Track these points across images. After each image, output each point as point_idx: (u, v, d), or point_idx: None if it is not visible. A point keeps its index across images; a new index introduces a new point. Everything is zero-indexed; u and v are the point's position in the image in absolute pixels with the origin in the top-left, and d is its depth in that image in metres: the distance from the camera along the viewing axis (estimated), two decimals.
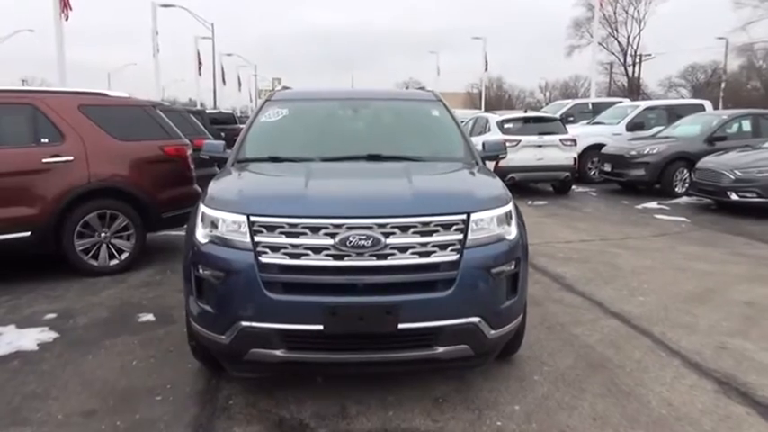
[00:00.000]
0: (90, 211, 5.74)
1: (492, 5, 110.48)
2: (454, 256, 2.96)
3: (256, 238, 2.94)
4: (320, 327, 2.85)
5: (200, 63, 36.80)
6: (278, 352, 2.93)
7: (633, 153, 11.36)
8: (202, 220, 3.16)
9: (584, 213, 9.75)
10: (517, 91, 75.17)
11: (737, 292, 5.27)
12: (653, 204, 10.48)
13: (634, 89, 50.13)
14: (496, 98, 67.02)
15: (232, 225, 3.01)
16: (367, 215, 2.95)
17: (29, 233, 5.46)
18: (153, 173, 6.13)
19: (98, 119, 5.88)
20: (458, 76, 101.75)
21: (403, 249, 2.92)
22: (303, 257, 2.90)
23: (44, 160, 5.51)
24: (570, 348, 4.01)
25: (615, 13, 50.87)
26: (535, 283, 5.54)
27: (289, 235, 2.92)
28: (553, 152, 11.22)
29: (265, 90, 76.73)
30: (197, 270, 3.09)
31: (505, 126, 11.57)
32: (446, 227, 3.00)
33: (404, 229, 2.95)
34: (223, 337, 2.99)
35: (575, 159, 11.47)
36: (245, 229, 2.97)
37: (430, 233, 2.97)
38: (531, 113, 12.49)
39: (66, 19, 16.79)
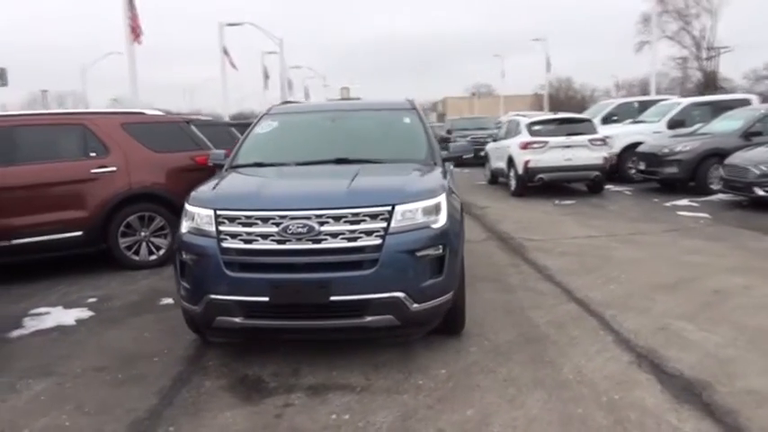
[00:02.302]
0: (131, 214, 6.70)
1: (564, 4, 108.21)
2: (378, 241, 3.56)
3: (220, 228, 3.66)
4: (266, 298, 3.53)
5: (266, 77, 38.63)
6: (237, 319, 3.63)
7: (666, 150, 11.37)
8: (185, 215, 3.92)
9: (606, 211, 9.94)
10: (590, 90, 73.43)
11: (713, 282, 5.50)
12: (683, 202, 10.48)
13: (710, 83, 47.93)
14: (566, 99, 65.75)
15: (205, 218, 3.75)
16: (306, 207, 3.61)
17: (81, 232, 6.46)
18: (186, 180, 6.98)
19: (137, 134, 6.85)
20: (528, 78, 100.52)
21: (334, 235, 3.55)
22: (254, 242, 3.59)
23: (92, 171, 6.51)
24: (517, 327, 4.47)
25: (687, 5, 48.83)
26: (518, 274, 6.00)
27: (245, 225, 3.63)
28: (582, 152, 11.42)
29: (333, 99, 79.10)
30: (180, 255, 3.85)
31: (534, 128, 11.88)
32: (373, 216, 3.61)
33: (337, 218, 3.58)
34: (196, 307, 3.73)
35: (605, 159, 11.60)
36: (212, 220, 3.69)
37: (358, 222, 3.59)
38: (560, 115, 12.70)
39: (139, 43, 18.42)
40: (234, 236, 3.63)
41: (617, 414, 3.14)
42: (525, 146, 11.61)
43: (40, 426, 3.21)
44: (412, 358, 3.93)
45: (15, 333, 4.75)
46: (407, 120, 5.19)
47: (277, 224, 3.57)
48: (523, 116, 13.18)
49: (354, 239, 3.56)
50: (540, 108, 44.35)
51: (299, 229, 3.53)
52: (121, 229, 6.66)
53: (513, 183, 12.24)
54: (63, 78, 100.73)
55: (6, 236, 6.18)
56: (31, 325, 4.92)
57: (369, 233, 3.58)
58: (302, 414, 3.26)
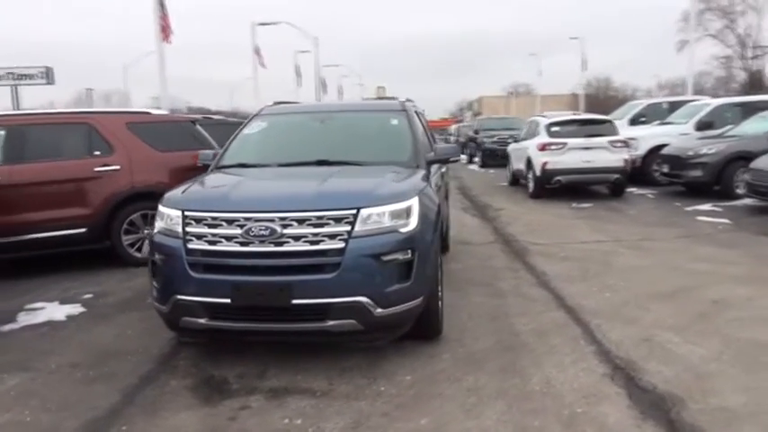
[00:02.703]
0: (134, 212, 6.82)
1: (605, 2, 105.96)
2: (340, 245, 3.52)
3: (187, 229, 3.68)
4: (228, 300, 3.53)
5: (298, 75, 38.96)
6: (201, 320, 3.64)
7: (690, 153, 11.00)
8: (158, 215, 3.95)
9: (622, 215, 9.67)
10: (631, 90, 71.73)
11: (714, 291, 5.28)
12: (706, 206, 10.11)
13: (755, 83, 46.22)
14: (605, 99, 64.38)
15: (174, 219, 3.77)
16: (269, 210, 3.60)
17: (84, 229, 6.61)
18: (189, 179, 7.10)
19: (141, 134, 6.96)
20: (567, 77, 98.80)
21: (297, 238, 3.53)
22: (218, 244, 3.60)
23: (96, 169, 6.65)
24: (498, 334, 4.37)
25: (731, 3, 47.20)
26: (514, 279, 5.88)
27: (210, 226, 3.64)
28: (602, 154, 11.14)
29: (369, 98, 79.15)
30: (152, 255, 3.88)
31: (552, 129, 11.65)
32: (337, 220, 3.57)
33: (300, 221, 3.55)
34: (164, 307, 3.76)
35: (626, 161, 11.29)
36: (180, 221, 3.71)
37: (322, 225, 3.55)
38: (581, 116, 12.39)
39: (169, 42, 18.79)
40: (199, 237, 3.64)
41: (574, 429, 3.03)
42: (543, 147, 11.39)
43: (1, 421, 3.28)
44: (380, 363, 3.88)
45: (7, 327, 4.87)
46: (395, 122, 5.13)
47: (241, 226, 3.57)
48: (543, 116, 12.91)
49: (317, 243, 3.53)
50: (576, 108, 43.54)
51: (261, 232, 3.52)
52: (124, 226, 6.78)
53: (531, 184, 12.03)
54: (108, 76, 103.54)
55: (14, 231, 6.36)
56: (24, 319, 5.05)
57: (332, 236, 3.54)
58: (256, 417, 3.24)
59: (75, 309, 5.30)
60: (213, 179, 4.40)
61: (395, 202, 3.73)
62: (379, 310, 3.57)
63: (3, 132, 6.50)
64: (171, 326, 3.88)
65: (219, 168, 4.81)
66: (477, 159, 22.49)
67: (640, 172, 12.93)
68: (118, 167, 6.74)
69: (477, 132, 22.67)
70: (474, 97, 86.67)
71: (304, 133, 5.18)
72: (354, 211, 3.59)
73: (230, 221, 3.60)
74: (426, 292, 3.86)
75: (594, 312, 4.80)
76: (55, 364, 4.05)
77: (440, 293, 4.36)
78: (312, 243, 3.53)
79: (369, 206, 3.64)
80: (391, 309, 3.62)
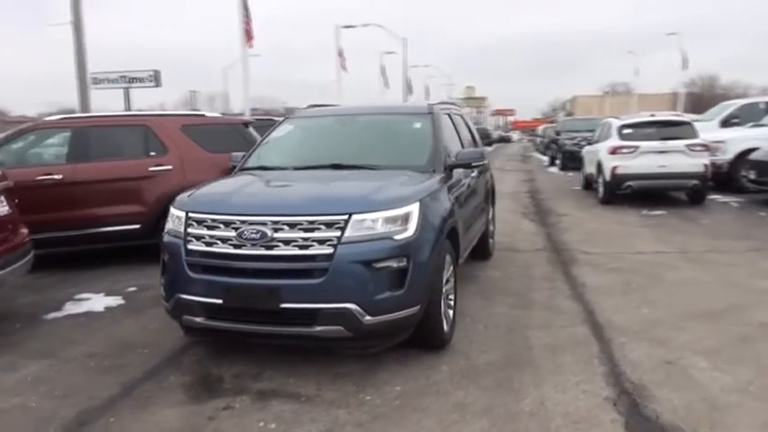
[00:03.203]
0: None
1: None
2: (329, 250, 3.49)
3: (188, 230, 3.79)
4: (220, 301, 3.60)
5: (383, 76, 39.30)
6: (198, 319, 3.75)
7: None
8: (170, 216, 4.09)
9: (694, 225, 8.97)
10: (742, 88, 66.51)
11: (766, 313, 4.79)
12: None
13: None
14: (710, 98, 60.17)
15: (178, 219, 3.90)
16: (263, 213, 3.64)
17: (138, 225, 6.99)
18: None
19: (194, 135, 7.27)
20: (668, 76, 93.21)
21: (287, 242, 3.54)
22: (214, 246, 3.68)
23: (150, 169, 7.01)
24: (508, 348, 4.18)
25: None
26: (548, 290, 5.61)
27: (209, 228, 3.73)
28: (678, 158, 10.38)
29: (457, 99, 78.49)
30: (162, 254, 4.04)
31: (624, 131, 10.99)
32: (328, 225, 3.55)
33: (292, 225, 3.56)
34: (168, 305, 3.89)
35: (706, 166, 10.46)
36: (183, 222, 3.83)
37: (312, 230, 3.54)
38: (656, 117, 11.59)
39: (251, 46, 19.54)
40: (199, 238, 3.75)
41: None
42: (614, 150, 10.78)
43: (8, 405, 3.52)
44: (375, 371, 3.82)
45: (51, 315, 5.24)
46: (418, 125, 5.03)
47: (236, 229, 3.63)
48: (616, 118, 12.21)
49: (306, 247, 3.52)
50: (675, 108, 40.98)
51: (253, 235, 3.57)
52: None
53: (600, 189, 11.44)
54: (213, 79, 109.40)
55: (77, 226, 6.84)
56: (68, 309, 5.41)
57: (321, 242, 3.52)
58: (234, 419, 3.29)
59: (116, 301, 5.62)
60: (225, 182, 4.50)
61: (390, 209, 3.65)
62: (368, 317, 3.51)
63: (69, 133, 7.01)
64: (176, 322, 4.02)
65: (243, 170, 4.93)
66: (558, 162, 21.71)
67: (728, 178, 11.96)
68: (170, 167, 7.07)
69: (558, 134, 21.84)
70: (568, 97, 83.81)
71: (326, 136, 5.21)
72: (346, 217, 3.55)
73: (227, 224, 3.67)
74: (424, 301, 3.75)
75: (622, 329, 4.48)
76: (76, 353, 4.30)
77: (448, 302, 4.25)
78: (301, 248, 3.53)
79: (361, 212, 3.59)
80: (381, 317, 3.55)
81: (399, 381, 3.69)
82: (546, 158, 26.67)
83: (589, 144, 13.53)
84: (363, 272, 3.50)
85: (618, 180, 10.68)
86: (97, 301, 5.61)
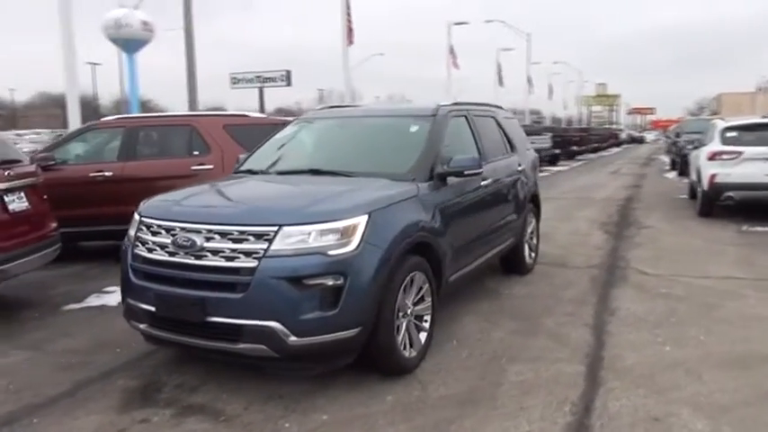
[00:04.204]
0: None
1: None
2: (253, 263, 3.28)
3: (138, 234, 3.76)
4: (153, 309, 3.53)
5: (499, 74, 38.19)
6: (142, 326, 3.70)
7: None
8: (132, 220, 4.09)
9: None
10: None
11: None
12: None
13: None
14: None
15: (133, 223, 3.88)
16: (198, 221, 3.50)
17: None
18: None
19: (236, 135, 7.36)
20: None
21: (215, 252, 3.38)
22: (154, 252, 3.61)
23: (192, 168, 7.20)
24: (477, 381, 3.73)
25: None
26: (568, 315, 4.99)
27: (153, 233, 3.66)
28: None
29: (586, 96, 74.55)
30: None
31: (727, 135, 9.62)
32: (257, 236, 3.34)
33: (223, 235, 3.40)
34: (123, 308, 3.89)
35: None
36: (135, 226, 3.81)
37: (241, 240, 3.35)
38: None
39: (350, 43, 19.77)
40: (143, 243, 3.70)
41: None
42: (712, 156, 9.51)
43: None
44: (315, 395, 3.55)
45: (71, 306, 5.52)
46: (414, 128, 4.65)
47: (174, 235, 3.53)
48: (722, 119, 10.74)
49: (232, 259, 3.34)
50: None
51: (184, 243, 3.45)
52: None
53: (699, 199, 10.16)
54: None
55: (124, 221, 7.18)
56: (88, 301, 5.67)
57: (248, 254, 3.32)
58: None
59: None
60: (194, 187, 4.43)
61: (325, 221, 3.37)
62: (293, 338, 3.25)
63: (122, 132, 7.39)
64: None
65: (235, 173, 4.85)
66: (678, 166, 19.74)
67: None
68: (211, 167, 7.21)
69: (678, 135, 19.85)
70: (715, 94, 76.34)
71: (319, 140, 4.99)
72: (275, 228, 3.32)
73: (168, 230, 3.59)
74: (366, 324, 3.43)
75: (624, 371, 3.84)
76: (59, 348, 4.46)
77: (421, 325, 3.89)
78: (228, 259, 3.35)
79: (292, 224, 3.34)
80: (309, 338, 3.29)
81: (333, 408, 3.40)
82: (667, 159, 24.47)
83: (695, 148, 12.09)
84: (288, 288, 3.25)
85: (716, 190, 9.40)
86: (116, 295, 5.79)
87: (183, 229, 3.51)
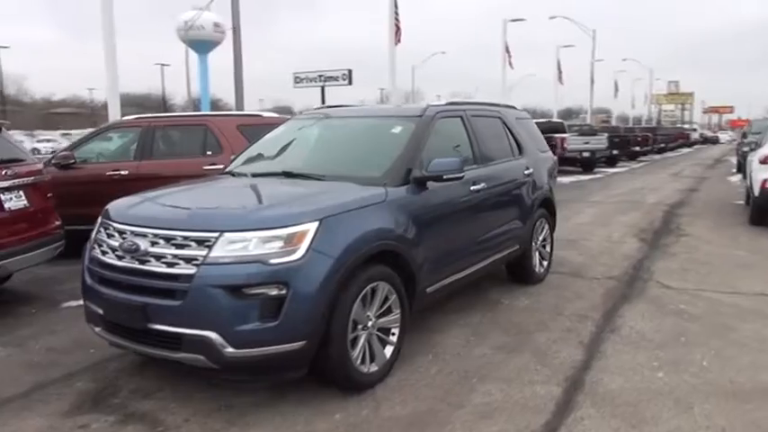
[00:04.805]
0: None
1: None
2: (191, 270, 3.16)
3: (97, 236, 3.72)
4: (102, 312, 3.47)
5: (559, 71, 36.99)
6: (97, 329, 3.66)
7: None
8: None
9: None
10: None
11: None
12: None
13: None
14: None
15: (96, 224, 3.85)
16: (146, 225, 3.41)
17: None
18: None
19: (250, 135, 7.28)
20: None
21: (158, 258, 3.28)
22: (106, 255, 3.55)
23: (204, 167, 7.18)
24: (434, 403, 3.48)
25: None
26: (564, 331, 4.64)
27: (109, 235, 3.61)
28: None
29: (656, 95, 71.30)
30: None
31: None
32: (199, 242, 3.21)
33: (167, 240, 3.30)
34: (83, 311, 3.87)
35: None
36: (96, 227, 3.77)
37: (183, 246, 3.24)
38: None
39: (398, 42, 19.56)
40: (99, 245, 3.65)
41: None
42: (765, 159, 8.75)
43: None
44: (262, 409, 3.41)
45: (68, 304, 5.54)
46: (396, 130, 4.42)
47: (124, 239, 3.46)
48: None
49: (172, 265, 3.23)
50: None
51: (129, 247, 3.37)
52: None
53: (750, 206, 9.39)
54: (405, 77, 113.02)
55: None
56: None
57: (188, 260, 3.20)
58: None
59: None
60: (167, 188, 4.35)
61: (269, 228, 3.21)
62: (231, 349, 3.11)
63: (138, 132, 7.49)
64: None
65: (222, 174, 4.77)
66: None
67: None
68: (223, 166, 7.17)
69: (744, 136, 18.56)
70: None
71: (300, 141, 4.82)
72: (216, 234, 3.19)
73: (120, 233, 3.52)
74: (312, 336, 3.24)
75: (603, 397, 3.49)
76: (39, 345, 4.51)
77: (387, 338, 3.70)
78: (169, 265, 3.24)
79: (233, 230, 3.20)
80: (248, 350, 3.14)
81: (274, 424, 3.24)
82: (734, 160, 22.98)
83: (751, 150, 11.21)
84: (226, 298, 3.11)
85: (766, 197, 8.65)
86: None
87: (132, 232, 3.44)
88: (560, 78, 37.78)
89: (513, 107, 6.32)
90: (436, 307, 5.04)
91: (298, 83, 30.36)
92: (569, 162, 21.42)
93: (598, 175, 20.22)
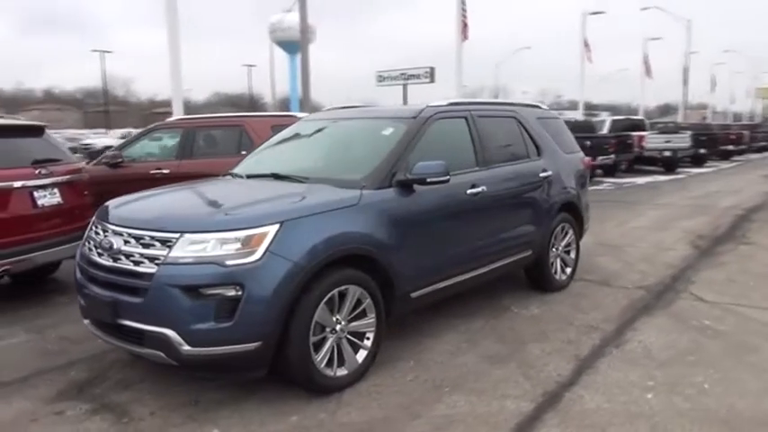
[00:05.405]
0: None
1: None
2: (152, 269, 3.27)
3: (88, 233, 3.93)
4: (86, 306, 3.67)
5: (645, 65, 35.06)
6: (86, 321, 3.87)
7: None
8: None
9: None
10: None
11: None
12: None
13: None
14: None
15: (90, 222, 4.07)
16: (122, 224, 3.58)
17: None
18: None
19: None
20: None
21: (128, 256, 3.42)
22: (91, 252, 3.74)
23: None
24: (393, 412, 3.42)
25: None
26: (564, 343, 4.43)
27: (95, 233, 3.81)
28: None
29: (761, 88, 65.86)
30: None
31: None
32: (162, 242, 3.33)
33: (137, 239, 3.43)
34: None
35: None
36: (90, 225, 3.99)
37: (149, 246, 3.36)
38: None
39: (465, 39, 19.28)
40: (88, 242, 3.86)
41: None
42: None
43: None
44: (225, 407, 3.48)
45: None
46: (387, 132, 4.36)
47: (106, 236, 3.64)
48: None
49: (138, 263, 3.36)
50: None
51: (105, 245, 3.54)
52: None
53: None
54: (486, 73, 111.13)
55: None
56: None
57: (152, 259, 3.32)
58: (48, 425, 3.32)
59: None
60: (160, 188, 4.50)
61: (227, 230, 3.27)
62: (187, 347, 3.20)
63: (180, 133, 7.84)
64: None
65: (225, 175, 4.91)
66: None
67: None
68: None
69: None
70: None
71: (300, 143, 4.87)
72: (177, 235, 3.29)
73: (104, 231, 3.70)
74: (269, 338, 3.27)
75: (575, 417, 3.30)
76: (56, 334, 4.81)
77: (361, 342, 3.69)
78: (135, 263, 3.38)
79: (193, 231, 3.29)
80: (203, 349, 3.21)
81: (231, 422, 3.31)
82: None
83: None
84: (183, 297, 3.19)
85: None
86: None
87: (112, 231, 3.61)
88: (648, 73, 35.79)
89: (538, 106, 6.07)
90: (440, 311, 4.96)
91: (380, 81, 30.65)
92: (648, 161, 20.37)
93: (679, 176, 19.03)
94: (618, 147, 17.66)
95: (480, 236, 4.68)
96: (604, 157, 16.83)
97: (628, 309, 5.20)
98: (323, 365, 3.52)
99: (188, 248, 3.25)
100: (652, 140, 20.05)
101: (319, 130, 4.94)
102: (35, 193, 5.46)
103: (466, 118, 4.82)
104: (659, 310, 5.16)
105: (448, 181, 4.07)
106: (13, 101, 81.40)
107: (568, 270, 5.88)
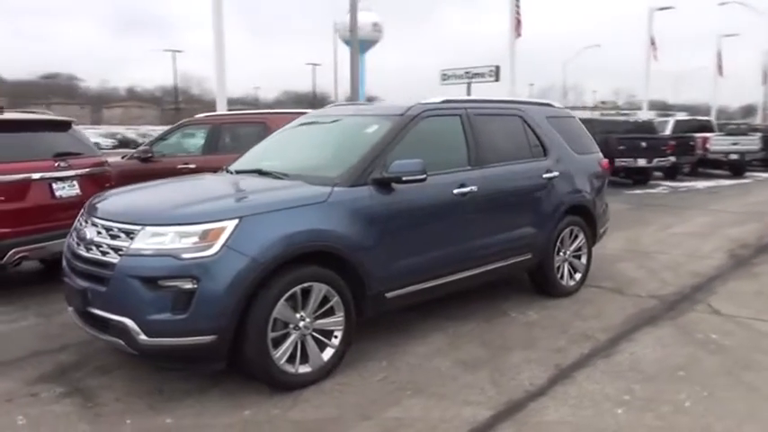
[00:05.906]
0: None
1: None
2: (115, 259, 3.38)
3: (75, 224, 4.10)
4: (66, 293, 3.84)
5: (719, 64, 33.18)
6: (70, 309, 4.03)
7: None
8: None
9: None
10: None
11: None
12: None
13: None
14: None
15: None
16: (98, 216, 3.72)
17: None
18: None
19: None
20: None
21: (98, 246, 3.55)
22: (74, 243, 3.90)
23: None
24: (347, 410, 3.39)
25: None
26: (552, 352, 4.27)
27: (80, 224, 3.96)
28: None
29: None
30: None
31: None
32: (127, 233, 3.43)
33: (108, 230, 3.56)
34: None
35: None
36: (79, 216, 4.16)
37: (115, 237, 3.48)
38: None
39: (518, 35, 18.86)
40: (74, 232, 4.02)
41: None
42: None
43: None
44: (187, 396, 3.55)
45: None
46: (371, 130, 4.32)
47: (84, 228, 3.79)
48: None
49: (105, 254, 3.48)
50: None
51: (82, 235, 3.68)
52: None
53: None
54: (554, 71, 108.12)
55: None
56: None
57: (116, 249, 3.43)
58: (20, 407, 3.46)
59: None
60: (150, 183, 4.60)
61: (186, 224, 3.33)
62: (144, 337, 3.29)
63: (207, 129, 8.06)
64: None
65: (221, 170, 5.01)
66: None
67: None
68: None
69: None
70: None
71: (287, 140, 4.90)
72: (139, 227, 3.38)
73: (86, 222, 3.85)
74: (224, 331, 3.31)
75: (530, 429, 3.16)
76: (63, 320, 4.98)
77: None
78: (103, 253, 3.49)
79: (153, 224, 3.37)
80: (159, 339, 3.29)
81: (186, 413, 3.37)
82: None
83: None
84: (140, 287, 3.28)
85: None
86: None
87: (91, 222, 3.75)
88: (720, 71, 33.85)
89: (549, 104, 5.85)
90: (434, 312, 4.89)
91: (444, 80, 30.52)
92: (713, 164, 19.28)
93: (745, 180, 17.94)
94: (676, 149, 16.79)
95: (470, 237, 4.56)
96: (660, 159, 16.06)
97: (632, 318, 4.94)
98: (283, 361, 3.53)
99: (148, 240, 3.34)
100: (717, 142, 18.95)
101: (311, 127, 4.96)
102: (54, 185, 5.75)
103: (461, 116, 4.71)
104: (666, 321, 4.88)
105: (425, 180, 3.99)
106: (99, 98, 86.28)
107: (578, 276, 5.64)
